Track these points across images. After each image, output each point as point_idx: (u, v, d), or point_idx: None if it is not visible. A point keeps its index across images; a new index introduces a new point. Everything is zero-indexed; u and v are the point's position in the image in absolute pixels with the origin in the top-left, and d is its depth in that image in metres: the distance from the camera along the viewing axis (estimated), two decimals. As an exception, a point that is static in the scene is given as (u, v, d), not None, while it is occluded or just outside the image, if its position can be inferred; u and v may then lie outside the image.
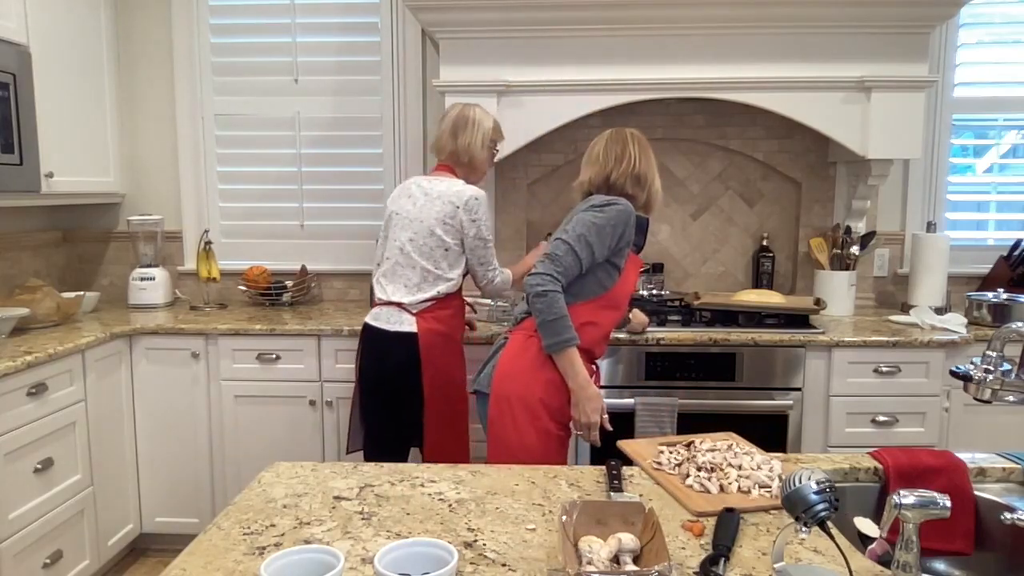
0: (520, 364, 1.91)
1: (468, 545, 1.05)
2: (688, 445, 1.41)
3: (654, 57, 2.73)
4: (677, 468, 1.33)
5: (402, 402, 2.18)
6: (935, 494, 0.90)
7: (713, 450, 1.35)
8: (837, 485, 0.92)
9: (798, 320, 2.68)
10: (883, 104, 2.70)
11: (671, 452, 1.39)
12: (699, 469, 1.29)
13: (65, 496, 2.40)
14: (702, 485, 1.24)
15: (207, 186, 3.31)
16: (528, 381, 1.88)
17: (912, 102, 2.71)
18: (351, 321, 2.79)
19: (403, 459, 2.23)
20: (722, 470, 1.28)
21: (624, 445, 1.47)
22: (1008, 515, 1.20)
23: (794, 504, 0.87)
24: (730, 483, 1.24)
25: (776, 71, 2.71)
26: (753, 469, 1.28)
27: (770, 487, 1.24)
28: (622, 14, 2.67)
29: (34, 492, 2.26)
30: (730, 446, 1.38)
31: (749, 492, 1.23)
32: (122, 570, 2.82)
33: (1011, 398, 1.19)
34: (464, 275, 2.28)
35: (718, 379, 2.57)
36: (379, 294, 2.27)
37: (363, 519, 1.14)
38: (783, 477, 0.89)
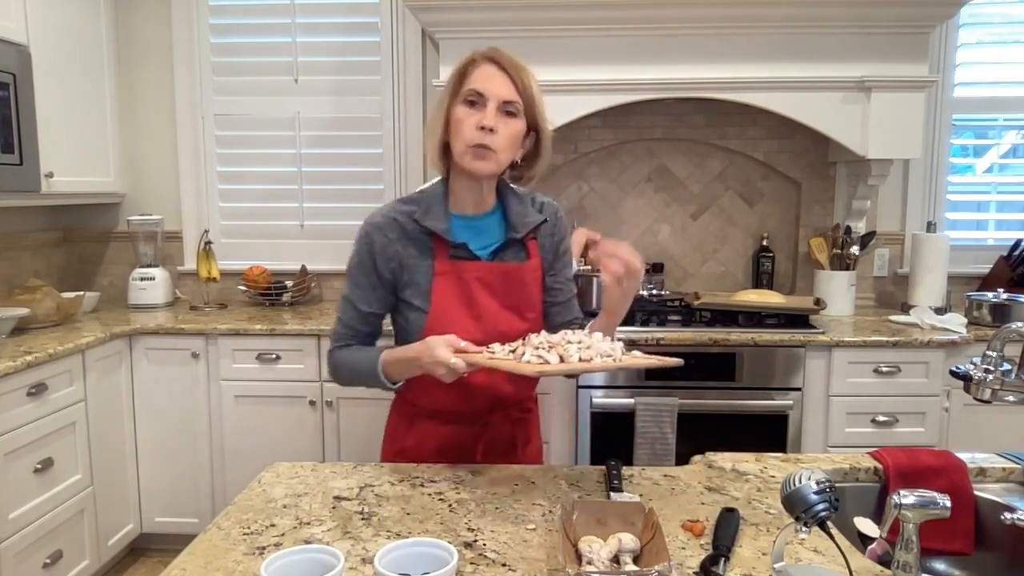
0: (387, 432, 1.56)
1: (468, 545, 1.05)
2: (524, 338, 1.24)
3: (654, 57, 2.73)
4: (512, 354, 1.20)
5: None
6: (935, 494, 0.90)
7: (549, 338, 1.23)
8: (837, 485, 0.92)
9: (798, 320, 2.68)
10: (883, 104, 2.70)
11: (505, 345, 1.25)
12: (536, 348, 1.17)
13: (65, 496, 2.40)
14: (540, 357, 1.14)
15: (207, 186, 3.31)
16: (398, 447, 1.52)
17: (912, 102, 2.71)
18: (351, 321, 2.78)
19: None
20: (560, 345, 1.17)
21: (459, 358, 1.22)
22: (1008, 515, 1.20)
23: (794, 504, 0.87)
24: (570, 356, 1.15)
25: (776, 71, 2.71)
26: (595, 342, 1.19)
27: (611, 355, 1.17)
28: (622, 14, 2.67)
29: (34, 492, 2.26)
30: (567, 332, 1.25)
31: (591, 360, 1.15)
32: (122, 570, 2.82)
33: (1011, 398, 1.19)
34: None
35: (718, 379, 2.57)
36: None
37: (363, 519, 1.14)
38: (788, 478, 0.88)
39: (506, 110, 1.32)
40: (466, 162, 1.32)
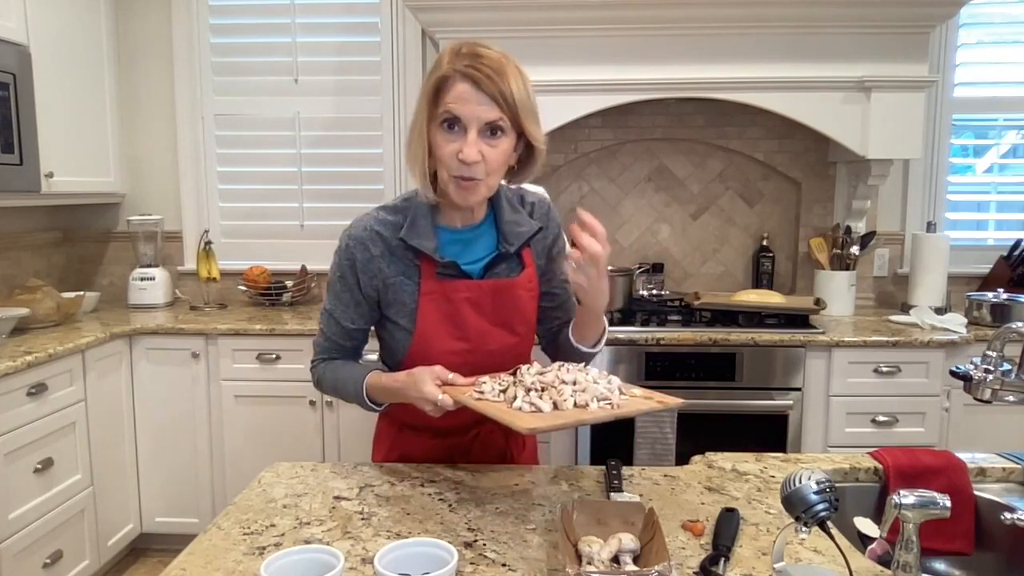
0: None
1: (468, 545, 1.05)
2: (514, 372, 1.21)
3: (654, 57, 2.73)
4: (503, 394, 1.15)
5: None
6: (935, 494, 0.90)
7: (542, 373, 1.18)
8: (837, 485, 0.92)
9: (798, 320, 2.68)
10: (883, 104, 2.70)
11: (494, 380, 1.20)
12: (528, 391, 1.13)
13: (65, 496, 2.40)
14: (532, 405, 1.10)
15: (207, 186, 3.31)
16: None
17: (912, 102, 2.71)
18: (351, 321, 2.78)
19: None
20: (554, 388, 1.12)
21: (447, 391, 1.20)
22: (1008, 515, 1.20)
23: (794, 504, 0.87)
24: (564, 400, 1.10)
25: (776, 71, 2.71)
26: (590, 383, 1.14)
27: (610, 399, 1.12)
28: (622, 14, 2.67)
29: (34, 492, 2.26)
30: (561, 365, 1.20)
31: (587, 406, 1.11)
32: (122, 570, 2.82)
33: (1011, 398, 1.19)
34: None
35: (718, 379, 2.57)
36: None
37: (363, 519, 1.14)
38: (788, 478, 0.88)
39: (490, 129, 1.19)
40: (451, 193, 1.22)
